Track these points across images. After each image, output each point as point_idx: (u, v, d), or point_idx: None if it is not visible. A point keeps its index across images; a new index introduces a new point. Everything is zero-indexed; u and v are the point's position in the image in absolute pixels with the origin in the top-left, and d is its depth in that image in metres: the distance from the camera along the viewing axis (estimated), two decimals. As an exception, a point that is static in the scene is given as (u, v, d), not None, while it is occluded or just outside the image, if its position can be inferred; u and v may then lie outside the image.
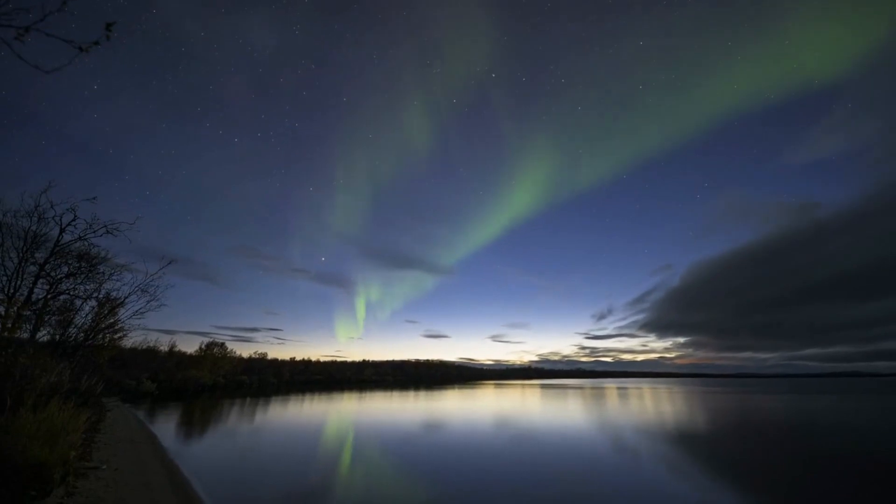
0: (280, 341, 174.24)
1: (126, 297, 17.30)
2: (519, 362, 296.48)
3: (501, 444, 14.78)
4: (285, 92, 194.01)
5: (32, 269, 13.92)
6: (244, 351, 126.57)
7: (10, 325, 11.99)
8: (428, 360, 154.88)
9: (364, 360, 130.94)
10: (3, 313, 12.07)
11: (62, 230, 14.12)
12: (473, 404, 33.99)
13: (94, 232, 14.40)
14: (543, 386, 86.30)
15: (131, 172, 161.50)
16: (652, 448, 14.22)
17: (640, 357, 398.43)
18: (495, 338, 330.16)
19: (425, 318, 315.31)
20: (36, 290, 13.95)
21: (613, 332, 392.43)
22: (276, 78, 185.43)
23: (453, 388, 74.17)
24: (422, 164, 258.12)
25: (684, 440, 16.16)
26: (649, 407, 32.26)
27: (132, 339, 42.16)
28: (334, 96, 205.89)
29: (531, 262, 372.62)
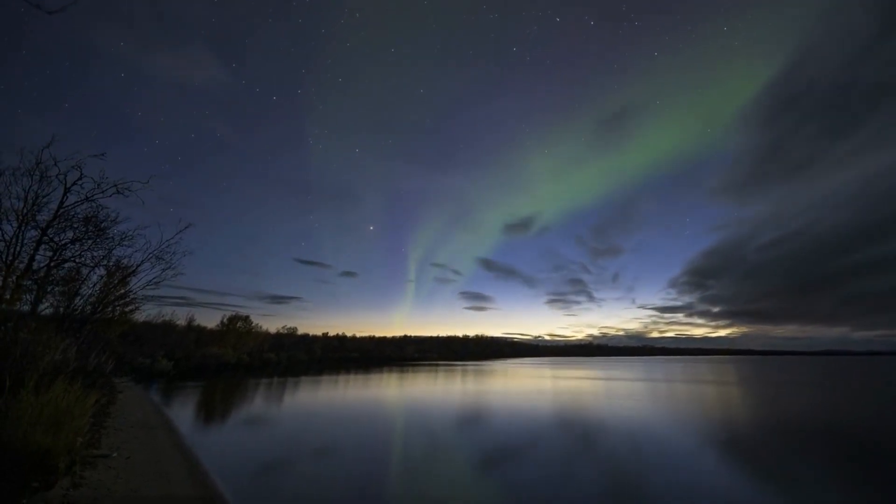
0: (305, 314, 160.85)
1: (139, 266, 16.09)
2: (579, 336, 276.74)
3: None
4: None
5: (33, 233, 12.89)
6: (271, 325, 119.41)
7: (8, 297, 10.98)
8: (479, 336, 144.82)
9: (405, 336, 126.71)
10: (1, 283, 11.00)
11: (67, 190, 13.03)
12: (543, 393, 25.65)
13: (103, 192, 13.35)
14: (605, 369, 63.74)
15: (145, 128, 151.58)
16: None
17: (723, 332, 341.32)
18: (552, 303, 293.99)
19: (465, 280, 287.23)
20: (38, 257, 12.95)
21: (686, 303, 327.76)
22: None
23: (510, 365, 69.46)
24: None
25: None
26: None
27: (146, 312, 41.16)
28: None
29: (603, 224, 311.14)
